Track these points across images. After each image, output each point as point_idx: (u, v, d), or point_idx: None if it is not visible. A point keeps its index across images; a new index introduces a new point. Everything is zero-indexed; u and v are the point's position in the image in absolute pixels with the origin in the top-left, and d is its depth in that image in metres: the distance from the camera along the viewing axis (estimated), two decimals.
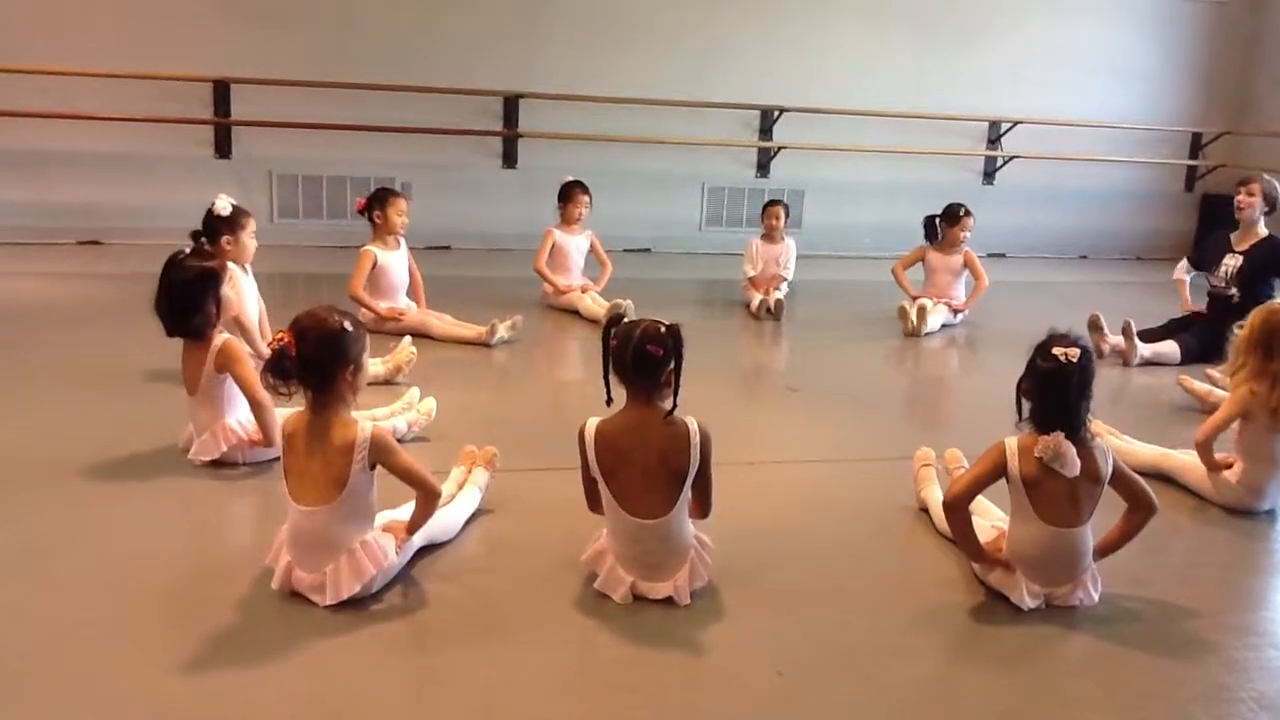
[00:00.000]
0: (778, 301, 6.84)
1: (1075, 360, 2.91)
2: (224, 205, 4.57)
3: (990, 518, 3.38)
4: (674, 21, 9.08)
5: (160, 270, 3.73)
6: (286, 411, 3.11)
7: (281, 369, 2.82)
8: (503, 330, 5.71)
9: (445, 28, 8.58)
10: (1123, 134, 10.26)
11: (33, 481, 3.56)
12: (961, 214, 6.89)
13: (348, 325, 2.88)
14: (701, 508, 2.98)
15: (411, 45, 8.50)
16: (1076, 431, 2.92)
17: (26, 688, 2.44)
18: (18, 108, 7.56)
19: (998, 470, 2.99)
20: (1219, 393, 5.09)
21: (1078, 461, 2.89)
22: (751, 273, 7.14)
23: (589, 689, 2.59)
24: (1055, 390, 2.93)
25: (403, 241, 5.93)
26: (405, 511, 3.22)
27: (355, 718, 2.41)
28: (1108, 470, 2.99)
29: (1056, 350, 2.93)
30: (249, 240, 4.70)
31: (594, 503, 2.99)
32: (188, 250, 3.83)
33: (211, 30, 8.08)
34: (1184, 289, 6.49)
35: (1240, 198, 6.10)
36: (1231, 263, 6.10)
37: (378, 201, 5.84)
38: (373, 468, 2.87)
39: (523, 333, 5.88)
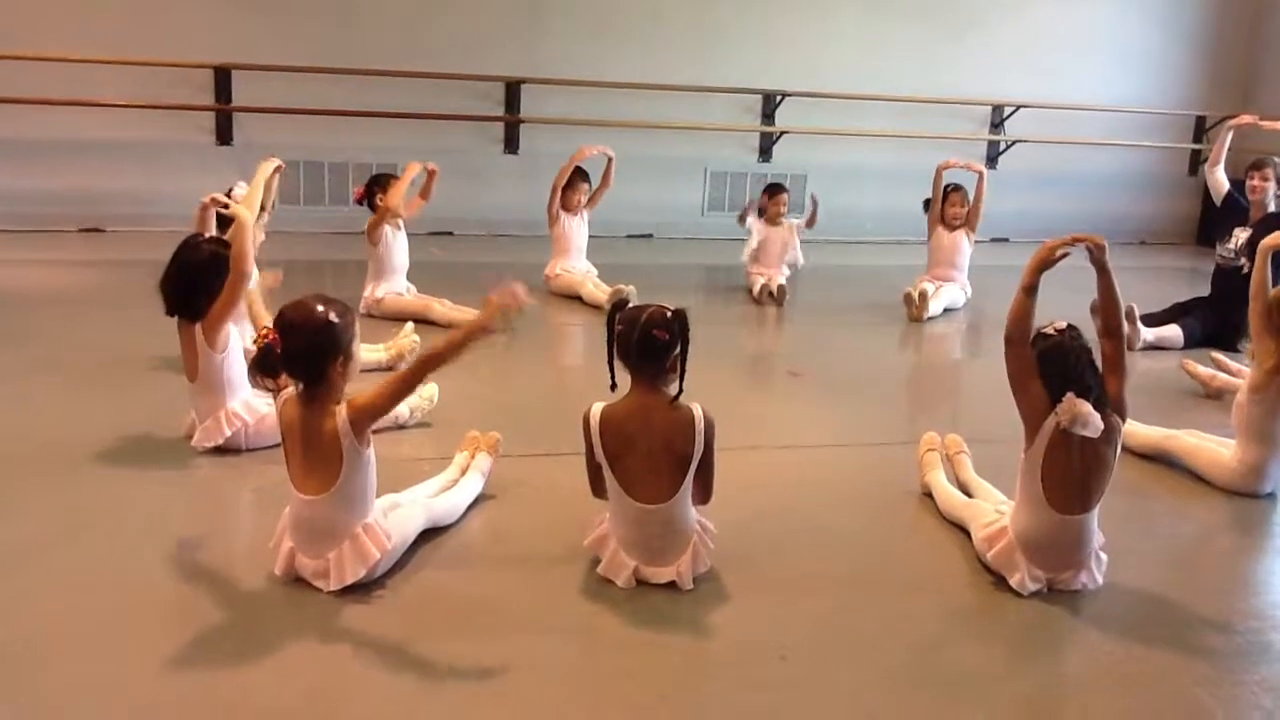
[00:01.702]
0: (780, 287, 6.83)
1: (1064, 330, 3.00)
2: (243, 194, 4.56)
3: (992, 500, 3.39)
4: (676, 6, 9.04)
5: (174, 251, 3.74)
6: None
7: (268, 365, 2.77)
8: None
9: (447, 13, 8.55)
10: (1126, 118, 10.21)
11: (35, 469, 3.56)
12: (950, 190, 6.90)
13: (334, 316, 2.82)
14: (703, 493, 2.97)
15: (413, 30, 8.47)
16: (1087, 396, 2.90)
17: (32, 675, 2.44)
18: (18, 94, 7.54)
19: (1038, 400, 2.95)
20: (1223, 376, 5.09)
21: (1097, 415, 2.85)
22: (754, 245, 7.06)
23: (592, 674, 2.59)
24: (1058, 362, 2.96)
25: (401, 224, 5.92)
26: (409, 496, 3.23)
27: (359, 704, 2.41)
28: (1115, 451, 2.98)
29: (1046, 330, 3.02)
30: (259, 232, 4.68)
31: (598, 488, 2.99)
32: (204, 236, 3.84)
33: (212, 16, 8.05)
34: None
35: (1254, 182, 6.08)
36: (1242, 235, 6.10)
37: (377, 186, 5.84)
38: (366, 439, 2.83)
39: (522, 315, 5.84)
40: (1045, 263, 3.06)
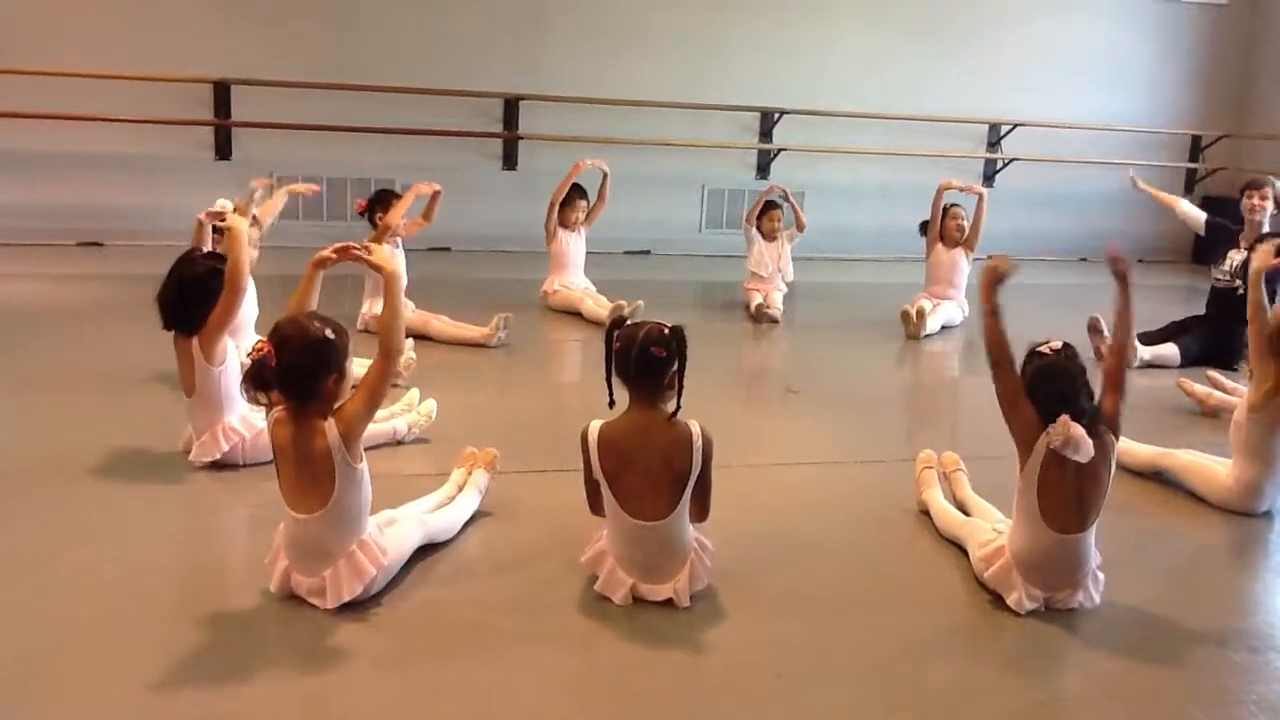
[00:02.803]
0: (776, 304, 6.85)
1: (1060, 350, 2.99)
2: (227, 207, 4.54)
3: (989, 518, 3.39)
4: (674, 23, 9.08)
5: (172, 265, 3.74)
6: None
7: (261, 378, 2.75)
8: (500, 332, 5.70)
9: (445, 29, 8.58)
10: (1123, 137, 10.25)
11: (33, 484, 3.56)
12: (949, 208, 6.92)
13: (329, 333, 2.81)
14: (700, 511, 2.98)
15: (412, 47, 8.50)
16: (1081, 418, 2.92)
17: (28, 688, 2.44)
18: (18, 109, 7.56)
19: (1029, 424, 2.96)
20: (1219, 395, 5.10)
21: (1090, 442, 2.86)
22: (759, 270, 7.10)
23: (589, 691, 2.59)
24: (1051, 382, 2.97)
25: (399, 242, 5.93)
26: (405, 512, 3.23)
27: None
28: (1111, 469, 2.99)
29: (1041, 349, 3.02)
30: (251, 249, 4.67)
31: (595, 505, 2.99)
32: (204, 250, 3.84)
33: (212, 32, 8.08)
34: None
35: (1254, 202, 6.04)
36: (1237, 257, 6.11)
37: (380, 204, 5.84)
38: (358, 454, 2.82)
39: (520, 332, 5.87)
40: (996, 281, 3.07)
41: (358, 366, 3.27)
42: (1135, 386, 5.53)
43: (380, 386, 2.90)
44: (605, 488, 2.90)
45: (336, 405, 2.84)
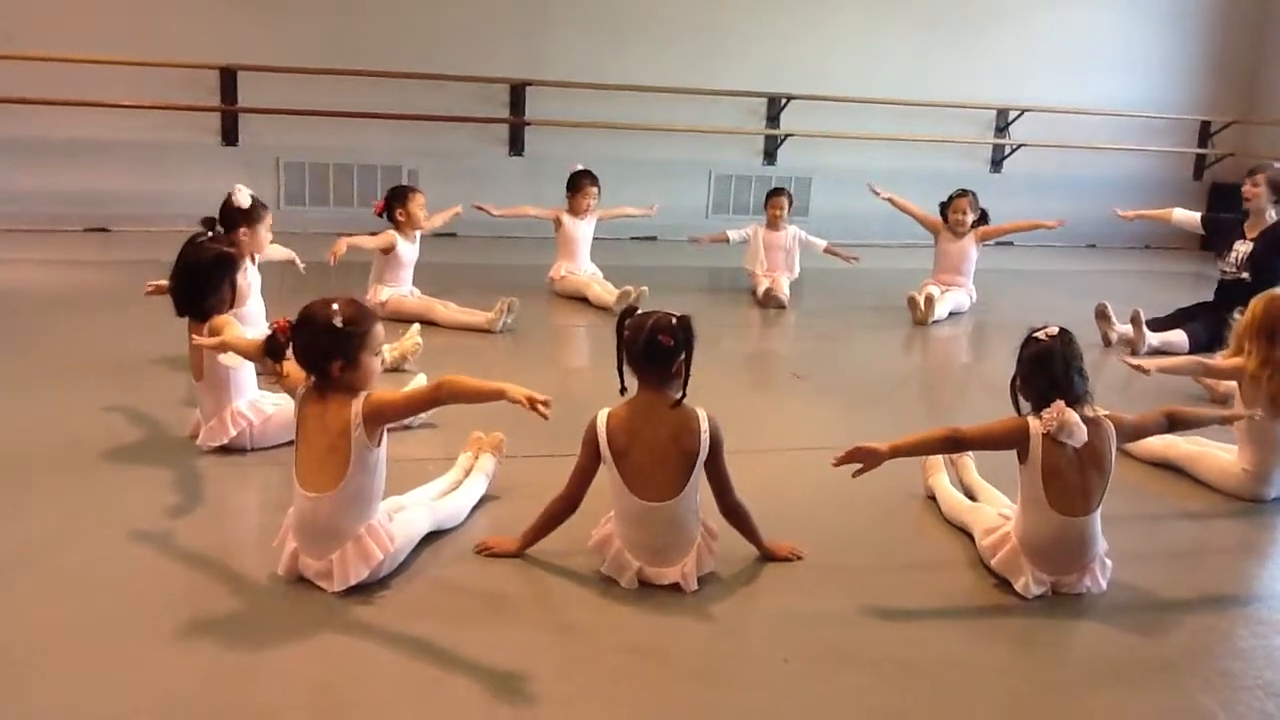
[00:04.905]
0: (783, 290, 6.84)
1: (1056, 335, 3.01)
2: (244, 197, 4.54)
3: (996, 504, 3.39)
4: (681, 9, 9.05)
5: (179, 251, 3.74)
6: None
7: (271, 350, 2.91)
8: (505, 317, 5.70)
9: (452, 15, 8.56)
10: (1131, 122, 10.21)
11: (42, 470, 3.57)
12: (955, 196, 6.88)
13: (338, 322, 2.82)
14: (724, 494, 3.02)
15: (419, 32, 8.48)
16: (1075, 403, 2.94)
17: (39, 675, 2.45)
18: (25, 94, 7.56)
19: (1011, 437, 2.99)
20: (1227, 382, 5.07)
21: (1083, 427, 2.90)
22: (753, 267, 7.13)
23: (595, 675, 2.59)
24: (1045, 367, 2.99)
25: (418, 235, 5.94)
26: (411, 498, 3.24)
27: (363, 705, 2.41)
28: (1113, 451, 3.00)
29: (1037, 334, 3.03)
30: (265, 234, 4.66)
31: (574, 490, 3.02)
32: (209, 234, 3.84)
33: (219, 17, 8.07)
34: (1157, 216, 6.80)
35: (1246, 188, 6.10)
36: (1242, 248, 6.12)
37: (398, 200, 5.81)
38: (377, 437, 2.84)
39: (527, 317, 5.87)
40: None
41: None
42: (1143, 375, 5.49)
43: (420, 405, 3.09)
44: (613, 468, 2.92)
45: (375, 392, 2.88)
